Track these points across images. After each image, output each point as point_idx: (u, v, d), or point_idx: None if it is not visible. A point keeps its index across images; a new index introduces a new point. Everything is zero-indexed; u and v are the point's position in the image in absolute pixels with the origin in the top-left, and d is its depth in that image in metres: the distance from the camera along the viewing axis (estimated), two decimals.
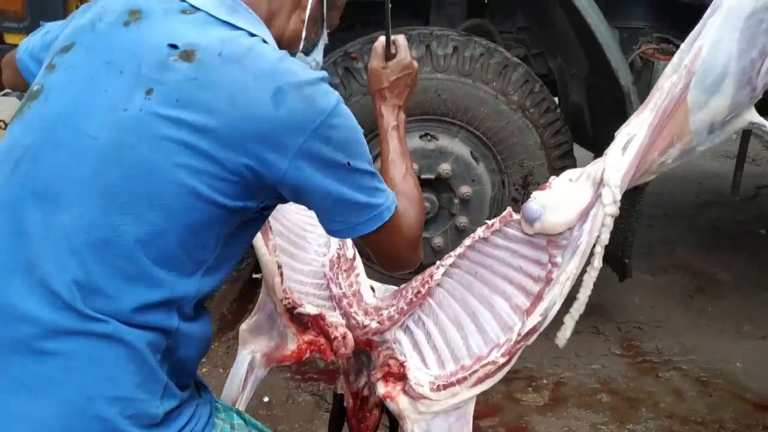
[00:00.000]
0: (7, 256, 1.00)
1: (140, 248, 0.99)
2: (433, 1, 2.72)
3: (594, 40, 2.37)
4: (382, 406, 1.57)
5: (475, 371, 1.50)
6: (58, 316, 0.97)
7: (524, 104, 2.47)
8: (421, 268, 1.64)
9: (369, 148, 1.14)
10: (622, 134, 1.40)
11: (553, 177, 1.48)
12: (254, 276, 1.70)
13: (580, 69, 2.79)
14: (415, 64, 1.45)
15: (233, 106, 1.00)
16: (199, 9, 1.10)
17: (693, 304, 3.19)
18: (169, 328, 1.04)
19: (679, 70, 1.32)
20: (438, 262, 1.63)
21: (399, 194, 1.20)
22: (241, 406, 1.55)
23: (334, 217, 1.12)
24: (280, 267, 1.50)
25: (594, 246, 1.50)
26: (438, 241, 2.53)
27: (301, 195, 1.08)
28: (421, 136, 2.45)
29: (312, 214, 1.14)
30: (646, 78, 2.65)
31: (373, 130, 2.39)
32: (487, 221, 1.63)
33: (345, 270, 1.69)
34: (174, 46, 1.03)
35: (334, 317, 1.60)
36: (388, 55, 1.42)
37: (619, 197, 1.42)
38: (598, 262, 1.51)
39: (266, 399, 2.38)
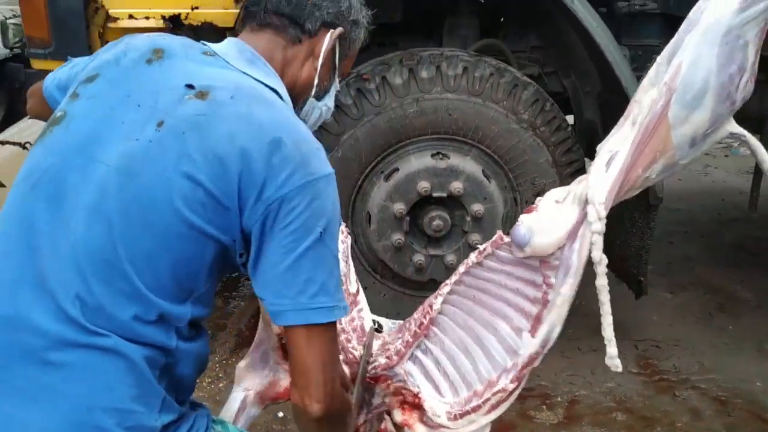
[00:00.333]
0: (20, 268, 1.05)
1: (134, 271, 1.04)
2: (446, 22, 2.76)
3: (604, 58, 2.39)
4: None
5: (488, 399, 1.51)
6: (63, 329, 1.02)
7: (535, 123, 2.49)
8: (433, 288, 1.66)
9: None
10: (603, 150, 1.42)
11: (539, 198, 1.49)
12: None
13: (593, 87, 2.81)
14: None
15: (233, 144, 1.05)
16: (219, 55, 1.16)
17: (713, 322, 3.15)
18: (168, 346, 1.08)
19: (657, 83, 1.34)
20: (436, 292, 1.65)
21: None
22: None
23: (283, 290, 1.07)
24: None
25: (594, 265, 1.51)
26: (451, 258, 2.55)
27: (261, 250, 1.07)
28: (432, 155, 2.48)
29: None
30: None
31: (386, 149, 2.45)
32: (478, 246, 1.65)
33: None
34: (191, 86, 1.09)
35: None
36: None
37: (604, 214, 1.43)
38: (601, 281, 1.52)
39: (281, 414, 2.40)
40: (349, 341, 1.59)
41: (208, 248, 1.08)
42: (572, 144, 2.57)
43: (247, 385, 1.59)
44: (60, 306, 1.02)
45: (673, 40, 1.41)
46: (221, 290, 3.24)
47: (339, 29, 1.26)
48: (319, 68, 1.26)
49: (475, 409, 1.52)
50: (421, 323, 1.61)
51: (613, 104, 2.61)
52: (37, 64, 2.32)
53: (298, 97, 1.27)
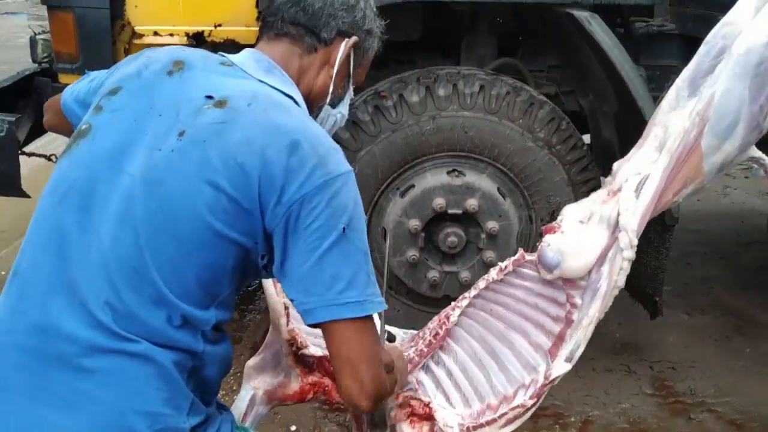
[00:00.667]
0: (51, 278, 1.09)
1: (160, 278, 1.07)
2: (464, 41, 2.79)
3: (620, 78, 2.40)
4: None
5: (505, 413, 1.52)
6: (94, 335, 1.05)
7: (551, 141, 2.50)
8: (446, 305, 1.68)
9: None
10: (627, 172, 1.44)
11: (560, 217, 1.51)
12: None
13: (610, 106, 2.81)
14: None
15: (250, 148, 1.08)
16: (237, 66, 1.20)
17: (730, 344, 3.11)
18: (195, 350, 1.11)
19: (677, 107, 1.36)
20: (453, 303, 1.66)
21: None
22: None
23: (311, 288, 1.09)
24: (286, 308, 1.54)
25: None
26: (465, 275, 2.56)
27: (286, 252, 1.09)
28: (448, 172, 2.50)
29: None
30: None
31: (402, 165, 2.47)
32: (500, 263, 1.65)
33: None
34: (210, 97, 1.13)
35: None
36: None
37: (636, 242, 1.45)
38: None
39: (293, 428, 2.42)
40: None
41: (232, 252, 1.11)
42: (588, 162, 2.57)
43: (256, 384, 1.61)
44: (91, 313, 1.05)
45: (693, 63, 1.43)
46: (238, 303, 3.27)
47: (354, 38, 1.29)
48: (334, 76, 1.29)
49: (489, 423, 1.52)
50: (437, 333, 1.62)
51: (629, 124, 2.62)
52: (64, 79, 2.38)
53: (314, 104, 1.30)
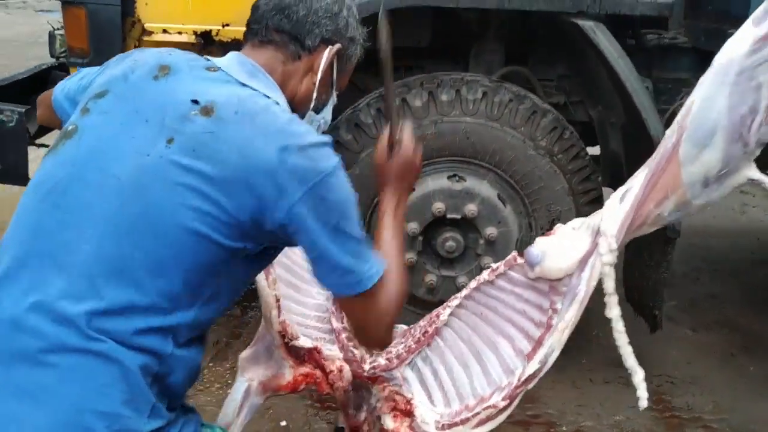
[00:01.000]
0: (29, 274, 1.11)
1: (147, 280, 1.10)
2: (472, 49, 2.81)
3: (625, 90, 2.40)
4: None
5: (478, 413, 1.54)
6: (65, 333, 1.07)
7: (552, 150, 2.50)
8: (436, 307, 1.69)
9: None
10: (621, 187, 1.46)
11: (558, 224, 1.53)
12: None
13: (617, 118, 2.80)
14: (418, 152, 1.43)
15: (242, 158, 1.12)
16: (221, 69, 1.23)
17: (734, 362, 3.06)
18: (162, 353, 1.13)
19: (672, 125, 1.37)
20: (445, 303, 1.68)
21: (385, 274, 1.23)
22: (236, 430, 1.62)
23: (320, 274, 1.22)
24: (278, 300, 1.58)
25: (607, 296, 1.53)
26: (463, 280, 2.57)
27: (297, 244, 1.19)
28: (449, 177, 2.51)
29: None
30: None
31: None
32: (492, 264, 1.67)
33: None
34: (196, 102, 1.16)
35: (332, 350, 1.66)
36: (392, 146, 1.40)
37: (615, 246, 1.45)
38: (613, 312, 1.53)
39: (284, 423, 2.44)
40: (349, 339, 1.63)
41: (219, 255, 1.14)
42: (590, 173, 2.57)
43: (251, 375, 1.65)
44: (64, 310, 1.08)
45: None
46: (239, 299, 3.31)
47: (337, 45, 1.32)
48: (317, 83, 1.31)
49: (464, 422, 1.54)
50: (426, 331, 1.64)
51: (636, 136, 2.61)
52: None
53: (297, 110, 1.32)
